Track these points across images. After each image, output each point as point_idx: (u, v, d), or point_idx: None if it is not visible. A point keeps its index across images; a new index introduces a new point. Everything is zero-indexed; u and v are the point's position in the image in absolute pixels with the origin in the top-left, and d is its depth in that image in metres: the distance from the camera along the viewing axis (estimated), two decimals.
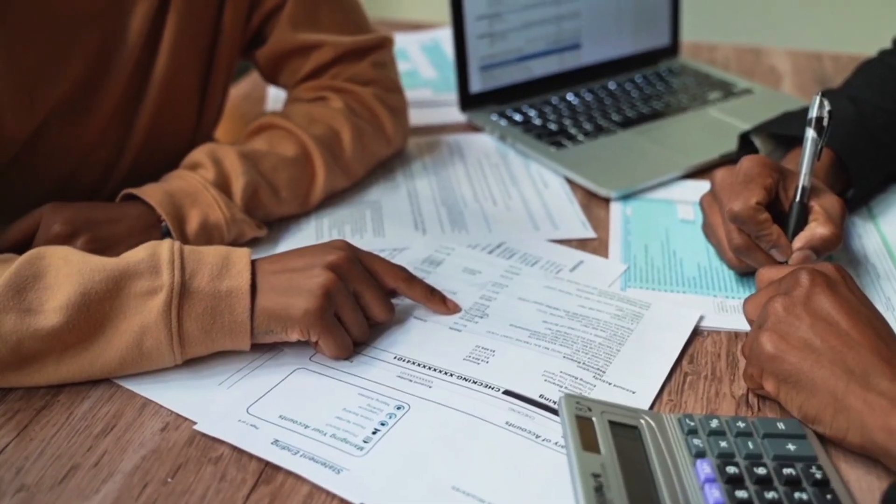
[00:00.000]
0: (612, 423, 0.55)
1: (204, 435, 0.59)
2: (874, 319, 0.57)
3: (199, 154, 0.81)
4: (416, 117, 1.09)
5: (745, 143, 0.92)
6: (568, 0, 1.11)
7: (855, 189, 0.83)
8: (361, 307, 0.67)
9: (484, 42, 1.06)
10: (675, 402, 0.62)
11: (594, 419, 0.55)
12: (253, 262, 0.65)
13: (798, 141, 0.77)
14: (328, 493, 0.54)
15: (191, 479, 0.56)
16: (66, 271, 0.62)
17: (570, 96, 1.11)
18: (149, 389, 0.63)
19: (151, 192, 0.76)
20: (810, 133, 0.72)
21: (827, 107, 0.72)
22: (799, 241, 0.70)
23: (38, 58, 0.75)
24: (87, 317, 0.61)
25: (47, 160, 0.80)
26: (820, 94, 0.73)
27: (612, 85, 1.14)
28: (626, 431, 0.55)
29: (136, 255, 0.63)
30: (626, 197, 0.90)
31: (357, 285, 0.66)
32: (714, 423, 0.57)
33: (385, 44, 0.96)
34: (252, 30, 0.91)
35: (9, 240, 0.74)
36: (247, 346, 0.64)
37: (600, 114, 1.06)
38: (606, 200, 0.90)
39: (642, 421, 0.57)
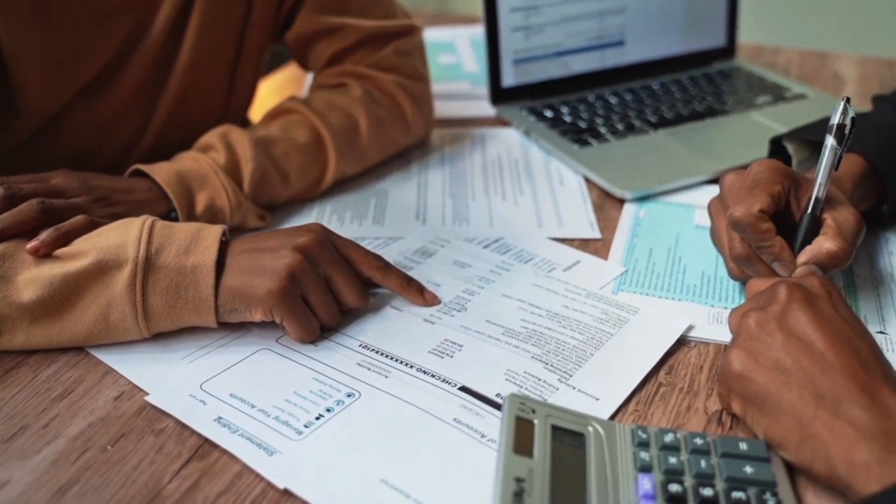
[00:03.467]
0: (556, 428, 0.52)
1: (154, 407, 0.59)
2: (856, 341, 0.52)
3: (212, 137, 0.82)
4: (449, 109, 1.08)
5: (779, 149, 0.86)
6: None
7: (889, 202, 0.76)
8: (333, 292, 0.66)
9: (518, 35, 1.04)
10: (640, 413, 0.59)
11: (536, 422, 0.52)
12: (226, 241, 0.65)
13: None
14: (257, 474, 0.53)
15: (129, 449, 0.56)
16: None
17: (609, 95, 1.07)
18: (113, 358, 0.64)
19: (161, 171, 0.77)
20: (829, 141, 0.66)
21: (851, 113, 0.67)
22: (804, 256, 0.65)
23: (71, 42, 0.77)
24: (54, 290, 0.61)
25: (66, 137, 0.82)
26: (844, 99, 0.67)
27: (656, 85, 1.10)
28: (569, 438, 0.52)
29: (110, 231, 0.64)
30: (643, 199, 0.86)
31: (328, 269, 0.65)
32: (668, 438, 0.53)
33: (411, 31, 0.95)
34: (284, 14, 0.91)
35: (19, 181, 0.70)
36: (213, 322, 0.64)
37: (636, 113, 1.02)
38: (622, 201, 0.86)
39: (591, 428, 0.54)
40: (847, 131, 0.66)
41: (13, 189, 0.67)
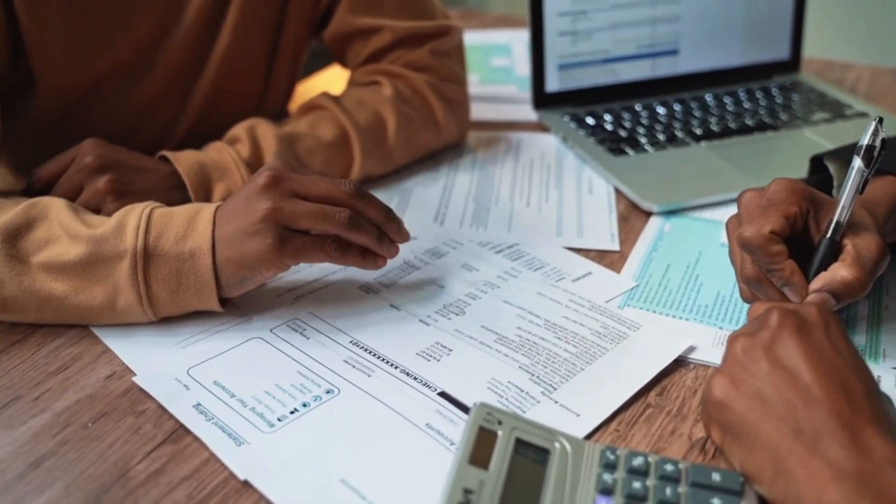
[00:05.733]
0: (521, 442, 0.51)
1: (140, 388, 0.60)
2: (848, 376, 0.49)
3: (240, 129, 0.83)
4: (491, 112, 1.07)
5: (821, 168, 0.82)
6: (666, 2, 1.04)
7: None
8: (319, 198, 0.64)
9: (565, 40, 1.02)
10: (621, 433, 0.57)
11: (499, 433, 0.51)
12: (216, 215, 0.65)
13: (879, 170, 0.68)
14: (223, 463, 0.54)
15: (108, 427, 0.57)
16: (55, 230, 0.64)
17: (657, 105, 1.04)
18: (114, 339, 0.65)
19: (184, 159, 0.78)
20: (856, 162, 0.63)
21: (881, 134, 0.63)
22: (817, 283, 0.61)
23: (98, 22, 0.79)
24: (63, 276, 0.63)
25: (100, 120, 0.84)
26: (876, 119, 0.64)
27: (709, 97, 1.06)
28: (533, 453, 0.51)
29: (111, 220, 0.65)
30: (671, 212, 0.83)
31: (300, 188, 0.63)
32: (637, 461, 0.51)
33: (448, 32, 0.94)
34: (322, 9, 0.92)
35: (49, 170, 0.76)
36: (216, 305, 0.65)
37: (681, 125, 0.99)
38: (649, 214, 0.83)
39: (557, 445, 0.52)
40: (876, 153, 0.63)
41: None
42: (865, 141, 0.63)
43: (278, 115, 0.98)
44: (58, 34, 0.77)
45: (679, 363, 0.63)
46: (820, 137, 0.95)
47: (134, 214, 0.64)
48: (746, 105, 1.04)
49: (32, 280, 0.63)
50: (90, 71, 0.81)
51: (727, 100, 1.05)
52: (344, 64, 0.98)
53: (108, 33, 0.80)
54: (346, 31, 0.92)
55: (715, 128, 0.98)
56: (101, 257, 0.63)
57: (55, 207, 0.66)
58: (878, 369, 0.62)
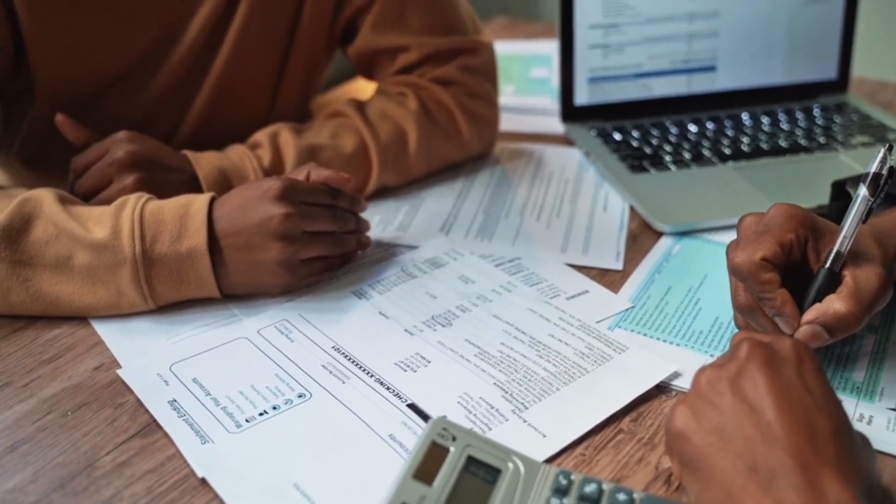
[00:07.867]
0: (472, 460, 0.50)
1: (123, 381, 0.62)
2: (815, 415, 0.47)
3: (263, 135, 0.83)
4: (520, 123, 1.07)
5: (844, 194, 0.78)
6: (704, 18, 1.01)
7: None
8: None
9: (596, 53, 1.00)
10: (586, 457, 0.55)
11: (451, 449, 0.50)
12: (211, 212, 0.67)
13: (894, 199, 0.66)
14: (185, 460, 0.55)
15: (86, 417, 0.59)
16: (51, 228, 0.66)
17: (689, 122, 1.02)
18: (109, 331, 0.67)
19: (205, 163, 0.79)
20: (861, 191, 0.60)
21: (889, 162, 0.60)
22: (810, 314, 0.58)
23: (99, 29, 0.80)
24: (69, 279, 0.66)
25: (98, 126, 0.82)
26: (885, 146, 0.61)
27: (745, 115, 1.03)
28: (484, 472, 0.50)
29: (104, 226, 0.66)
30: (683, 233, 0.81)
31: (311, 227, 0.70)
32: (590, 488, 0.50)
33: (478, 48, 0.93)
34: (343, 23, 0.91)
35: (84, 160, 0.77)
36: (216, 295, 0.69)
37: (711, 143, 0.96)
38: (660, 234, 0.81)
39: (511, 465, 0.51)
40: (882, 181, 0.60)
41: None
42: (872, 168, 0.60)
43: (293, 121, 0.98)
44: (58, 39, 0.78)
45: (661, 389, 0.61)
46: (855, 162, 0.91)
47: (126, 216, 0.66)
48: (784, 126, 1.00)
49: (40, 285, 0.66)
50: (90, 77, 0.82)
51: (764, 119, 1.02)
52: (370, 79, 0.98)
53: (110, 41, 0.81)
54: (371, 51, 0.91)
55: (745, 148, 0.95)
56: (102, 263, 0.66)
57: (46, 202, 0.67)
58: (871, 409, 0.59)
